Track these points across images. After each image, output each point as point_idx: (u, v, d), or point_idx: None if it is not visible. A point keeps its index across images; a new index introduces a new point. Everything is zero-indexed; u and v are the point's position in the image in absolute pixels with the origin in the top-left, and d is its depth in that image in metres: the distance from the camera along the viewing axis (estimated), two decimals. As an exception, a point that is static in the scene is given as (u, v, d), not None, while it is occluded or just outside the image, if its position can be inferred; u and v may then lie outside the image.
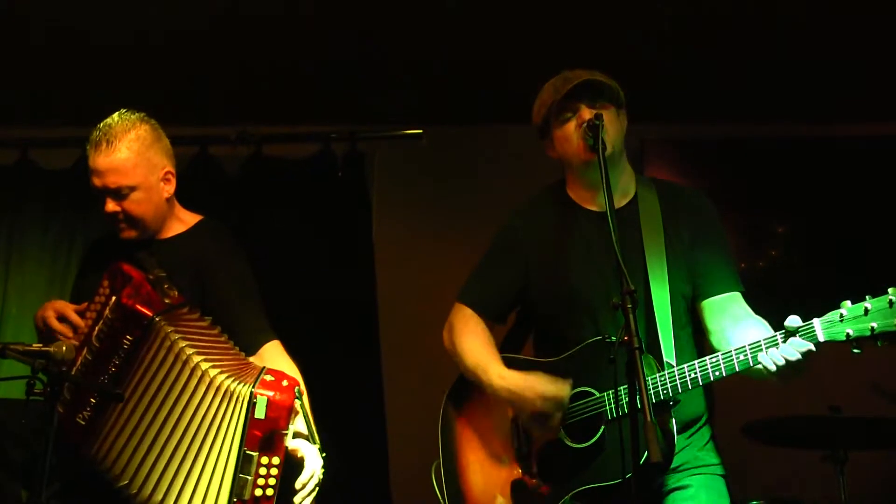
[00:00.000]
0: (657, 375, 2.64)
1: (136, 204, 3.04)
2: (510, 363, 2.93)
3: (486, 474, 2.94)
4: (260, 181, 5.09)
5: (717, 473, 2.81)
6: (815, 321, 2.49)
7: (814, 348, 2.48)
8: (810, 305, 2.56)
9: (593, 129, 2.73)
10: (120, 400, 2.75)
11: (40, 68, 4.65)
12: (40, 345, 2.69)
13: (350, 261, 4.98)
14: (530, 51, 4.42)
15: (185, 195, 3.23)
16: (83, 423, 2.80)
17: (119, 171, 3.00)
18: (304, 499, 2.82)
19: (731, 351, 2.59)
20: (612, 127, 2.82)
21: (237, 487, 2.76)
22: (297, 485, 2.82)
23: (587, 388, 2.77)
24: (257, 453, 2.78)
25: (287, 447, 2.82)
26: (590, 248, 2.88)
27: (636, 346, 2.34)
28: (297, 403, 2.86)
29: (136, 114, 3.09)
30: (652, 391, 2.61)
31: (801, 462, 4.22)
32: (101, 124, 3.04)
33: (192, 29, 4.38)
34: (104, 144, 3.00)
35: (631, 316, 2.38)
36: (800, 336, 2.48)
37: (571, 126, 2.85)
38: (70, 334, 2.90)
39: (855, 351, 2.45)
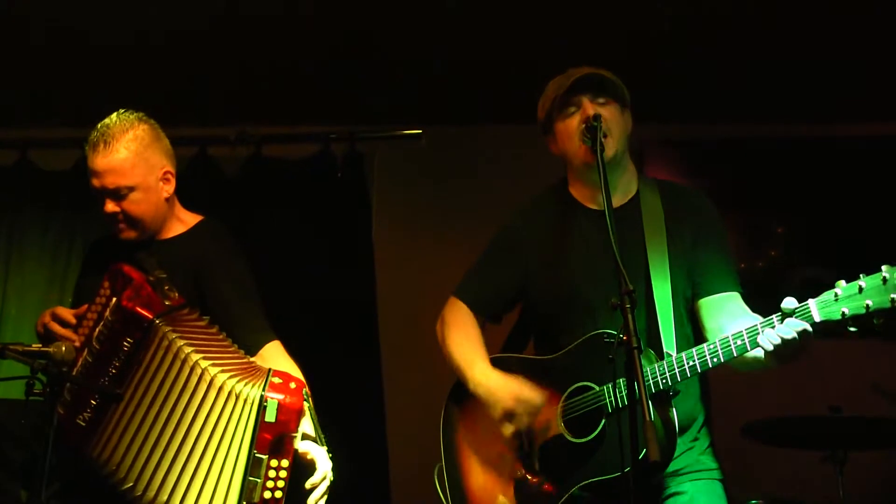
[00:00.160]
0: (656, 365, 2.64)
1: (135, 204, 3.03)
2: (507, 363, 2.93)
3: (489, 474, 2.93)
4: (260, 181, 5.09)
5: (715, 478, 2.81)
6: (811, 301, 2.50)
7: (809, 328, 2.48)
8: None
9: (591, 131, 2.72)
10: (119, 400, 2.75)
11: (40, 68, 4.65)
12: (40, 345, 2.69)
13: (350, 261, 4.98)
14: (530, 51, 4.42)
15: (185, 195, 3.23)
16: (83, 424, 2.79)
17: (117, 171, 2.99)
18: (317, 500, 2.81)
19: (727, 336, 2.59)
20: (615, 124, 2.82)
21: (246, 490, 2.75)
22: (308, 485, 2.82)
23: (586, 383, 2.76)
24: (267, 456, 2.77)
25: (296, 449, 2.81)
26: (589, 248, 2.88)
27: (635, 345, 2.34)
28: (305, 405, 2.86)
29: (135, 114, 3.08)
30: (651, 381, 2.61)
31: (801, 462, 4.22)
32: (100, 125, 3.03)
33: (192, 29, 4.38)
34: (102, 145, 2.99)
35: (630, 316, 2.37)
36: (796, 317, 2.49)
37: (574, 121, 2.84)
38: (71, 337, 2.89)
39: (851, 329, 2.46)
